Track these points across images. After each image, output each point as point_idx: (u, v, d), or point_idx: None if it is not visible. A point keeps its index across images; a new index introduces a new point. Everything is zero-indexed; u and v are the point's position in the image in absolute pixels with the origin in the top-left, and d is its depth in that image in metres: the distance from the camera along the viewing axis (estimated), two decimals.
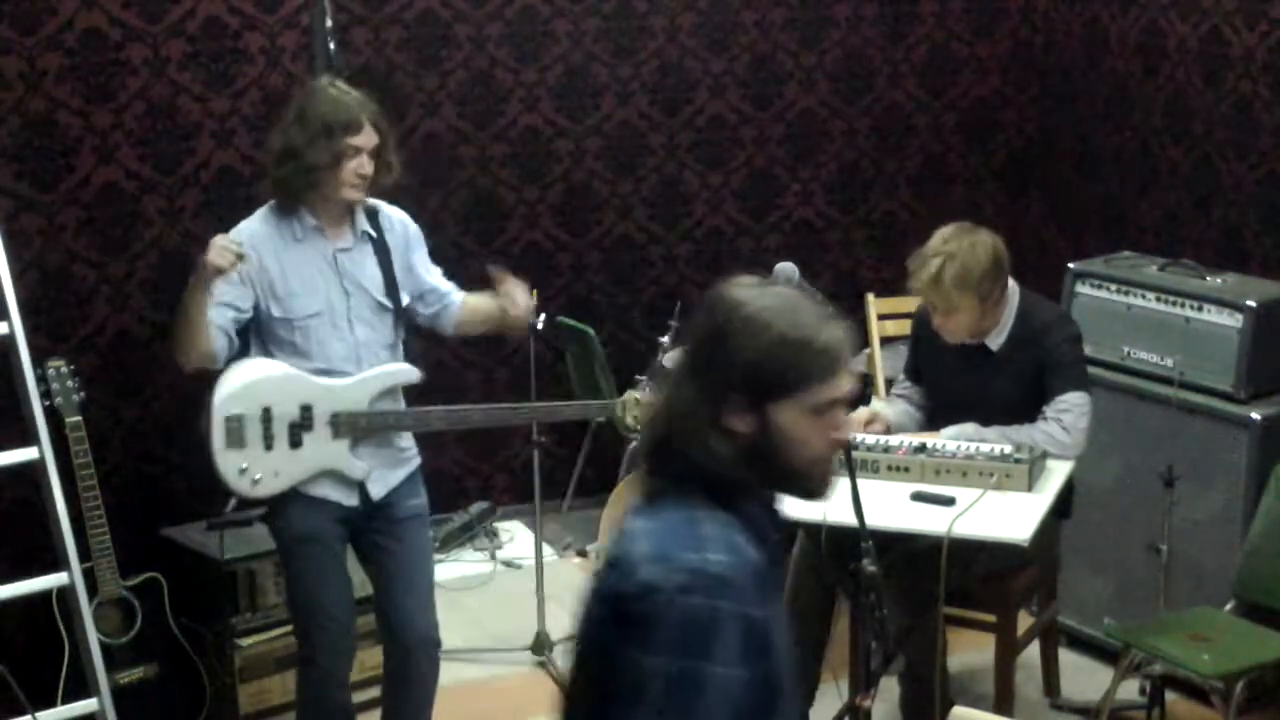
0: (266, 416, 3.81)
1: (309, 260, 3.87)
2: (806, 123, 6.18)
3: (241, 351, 3.88)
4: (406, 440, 4.04)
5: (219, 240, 3.73)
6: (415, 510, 4.03)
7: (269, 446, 3.82)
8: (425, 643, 4.03)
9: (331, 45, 4.84)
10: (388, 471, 3.97)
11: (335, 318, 3.88)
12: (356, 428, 3.87)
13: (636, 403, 4.14)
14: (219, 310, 3.78)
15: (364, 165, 3.83)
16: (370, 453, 3.93)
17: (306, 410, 3.84)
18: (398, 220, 4.04)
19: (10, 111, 4.63)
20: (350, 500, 3.92)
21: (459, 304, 4.12)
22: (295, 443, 3.83)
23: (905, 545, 4.01)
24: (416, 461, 4.06)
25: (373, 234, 3.95)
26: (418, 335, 4.13)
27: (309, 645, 3.99)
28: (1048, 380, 4.23)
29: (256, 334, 3.89)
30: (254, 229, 3.87)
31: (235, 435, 3.79)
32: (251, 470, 3.80)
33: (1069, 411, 4.19)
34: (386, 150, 3.90)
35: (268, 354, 3.88)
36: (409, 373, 3.98)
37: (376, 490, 3.95)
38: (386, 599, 4.03)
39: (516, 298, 4.05)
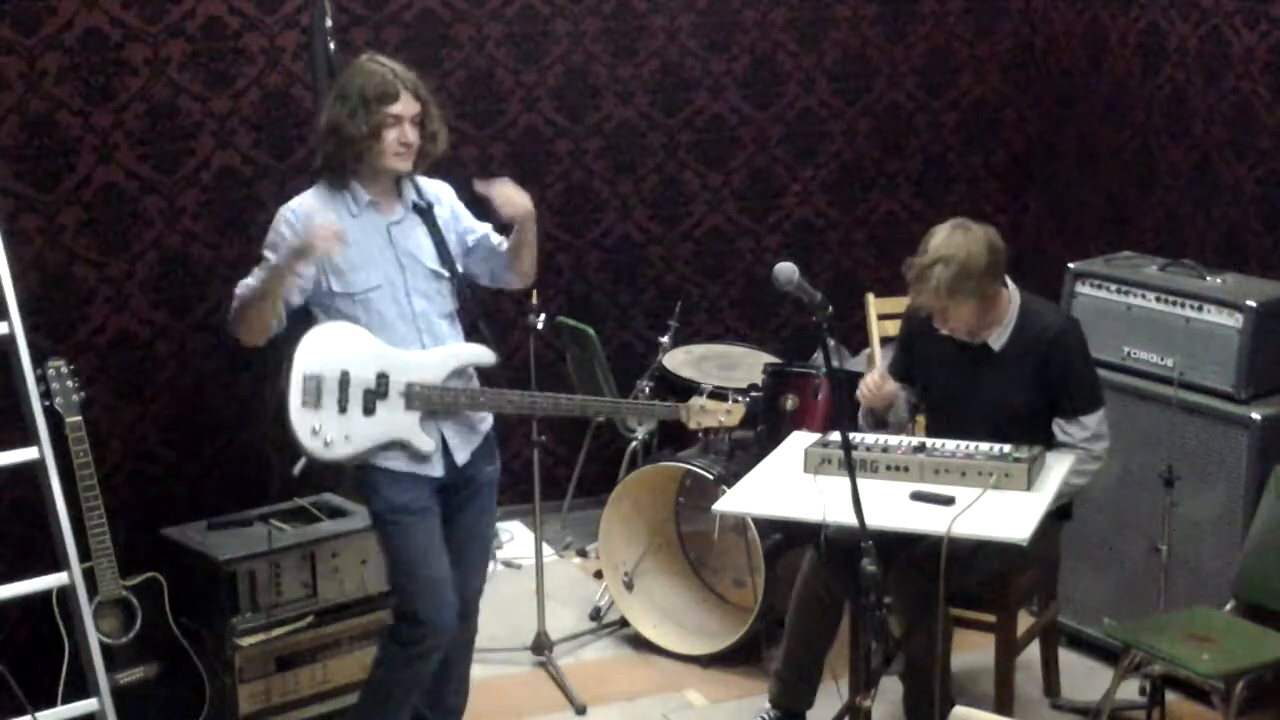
0: (344, 380, 3.84)
1: (366, 234, 3.91)
2: (806, 123, 6.19)
3: (291, 325, 3.89)
4: None
5: (328, 226, 3.75)
6: (491, 476, 4.13)
7: (343, 409, 3.85)
8: (480, 590, 4.19)
9: (331, 45, 4.84)
10: (467, 438, 4.03)
11: (394, 291, 3.92)
12: (429, 401, 3.91)
13: (702, 409, 4.18)
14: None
15: (405, 134, 3.87)
16: (446, 423, 3.97)
17: (383, 378, 3.87)
18: (435, 191, 4.07)
19: (10, 111, 4.63)
20: (437, 471, 3.97)
21: (501, 244, 4.15)
22: (369, 409, 3.86)
23: (911, 549, 4.02)
24: (490, 424, 4.11)
25: (422, 204, 3.99)
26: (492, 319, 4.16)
27: (416, 609, 3.98)
28: (1064, 399, 4.23)
29: (319, 307, 3.91)
30: (310, 205, 3.89)
31: (312, 394, 3.82)
32: (324, 431, 3.83)
33: (1097, 439, 4.23)
34: (430, 119, 3.94)
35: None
36: (485, 354, 4.02)
37: (461, 456, 4.01)
38: (456, 547, 4.07)
39: (511, 196, 4.02)
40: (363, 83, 3.85)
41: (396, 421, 3.89)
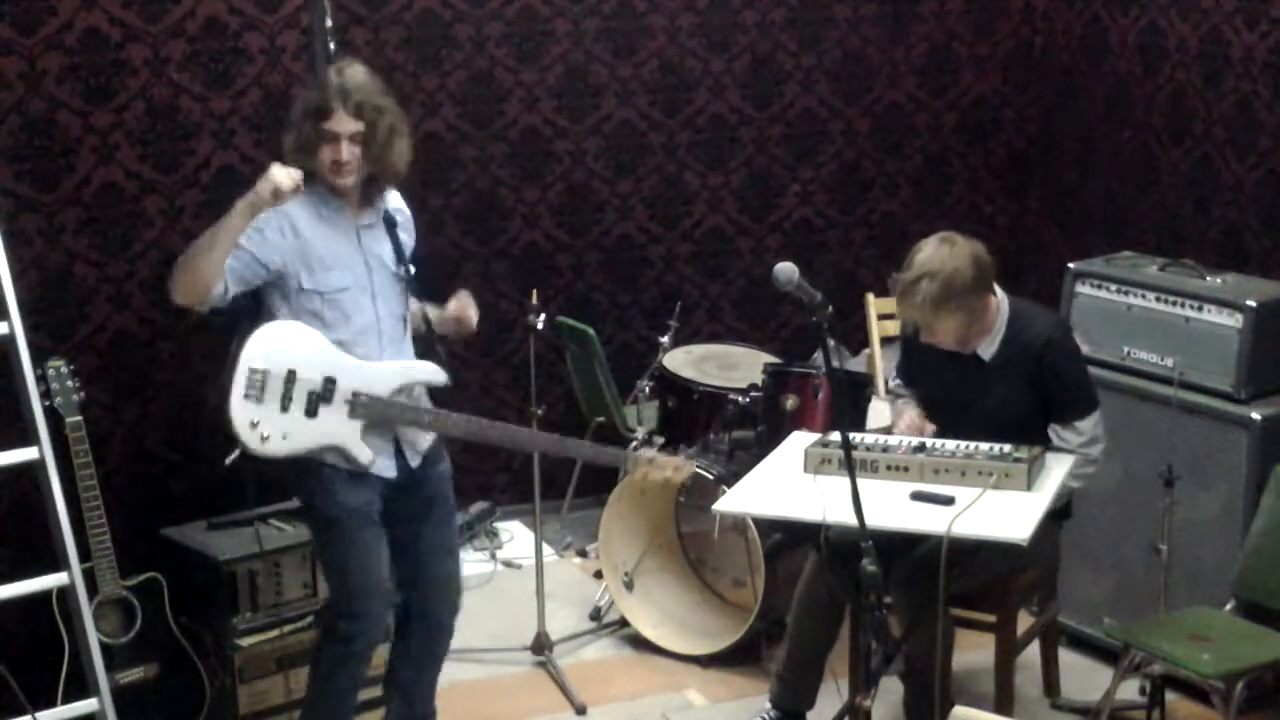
0: (290, 379, 3.84)
1: (337, 235, 3.93)
2: (806, 123, 6.18)
3: (240, 317, 3.91)
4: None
5: (278, 166, 3.74)
6: (445, 473, 4.14)
7: (284, 408, 3.84)
8: (456, 599, 4.21)
9: (331, 45, 4.84)
10: (416, 441, 4.04)
11: (361, 291, 3.94)
12: (373, 413, 3.90)
13: (650, 461, 4.18)
14: (234, 253, 3.80)
15: (339, 151, 3.83)
16: (391, 432, 3.98)
17: (330, 383, 3.87)
18: (401, 210, 4.11)
19: (10, 111, 4.63)
20: (390, 472, 3.98)
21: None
22: (311, 411, 3.86)
23: (911, 549, 4.02)
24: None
25: (391, 216, 4.03)
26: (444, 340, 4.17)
27: (357, 618, 4.00)
28: (1059, 405, 4.22)
29: (283, 300, 3.90)
30: (288, 202, 3.87)
31: (255, 389, 3.82)
32: (262, 426, 3.83)
33: (1094, 442, 4.23)
34: (375, 138, 3.86)
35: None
36: (437, 374, 4.01)
37: (415, 460, 4.03)
38: (421, 556, 4.11)
39: (468, 313, 4.12)
40: (309, 95, 3.89)
41: (337, 428, 3.88)
